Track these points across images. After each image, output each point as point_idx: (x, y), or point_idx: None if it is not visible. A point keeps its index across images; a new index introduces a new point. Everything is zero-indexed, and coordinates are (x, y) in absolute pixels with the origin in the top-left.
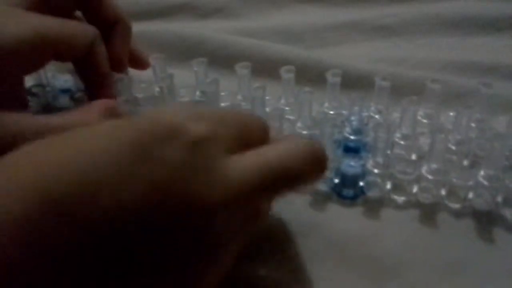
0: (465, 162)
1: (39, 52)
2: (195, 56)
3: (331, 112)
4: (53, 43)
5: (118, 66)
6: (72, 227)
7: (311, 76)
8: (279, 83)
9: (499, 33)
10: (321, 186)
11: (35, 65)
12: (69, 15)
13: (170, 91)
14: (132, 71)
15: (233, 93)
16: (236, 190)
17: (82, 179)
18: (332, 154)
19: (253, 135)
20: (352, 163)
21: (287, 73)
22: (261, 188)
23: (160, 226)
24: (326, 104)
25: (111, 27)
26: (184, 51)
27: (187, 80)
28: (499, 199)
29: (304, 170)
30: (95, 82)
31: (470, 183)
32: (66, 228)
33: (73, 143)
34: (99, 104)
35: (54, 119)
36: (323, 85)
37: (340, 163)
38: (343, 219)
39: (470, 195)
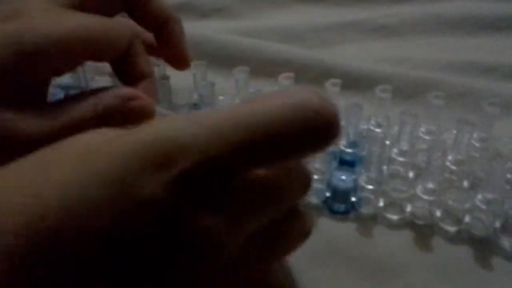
0: (465, 183)
1: (70, 53)
2: (194, 57)
3: None
4: (87, 44)
5: (183, 62)
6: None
7: (312, 76)
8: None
9: (499, 33)
10: (312, 198)
11: (67, 66)
12: (114, 14)
13: (210, 99)
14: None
15: (231, 97)
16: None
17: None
18: (325, 166)
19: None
20: (344, 177)
21: (285, 80)
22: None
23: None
24: None
25: (161, 26)
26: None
27: (185, 82)
28: (497, 224)
29: (296, 131)
30: (135, 82)
31: (467, 205)
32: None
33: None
34: (95, 100)
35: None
36: (323, 85)
37: (332, 176)
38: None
39: (467, 218)
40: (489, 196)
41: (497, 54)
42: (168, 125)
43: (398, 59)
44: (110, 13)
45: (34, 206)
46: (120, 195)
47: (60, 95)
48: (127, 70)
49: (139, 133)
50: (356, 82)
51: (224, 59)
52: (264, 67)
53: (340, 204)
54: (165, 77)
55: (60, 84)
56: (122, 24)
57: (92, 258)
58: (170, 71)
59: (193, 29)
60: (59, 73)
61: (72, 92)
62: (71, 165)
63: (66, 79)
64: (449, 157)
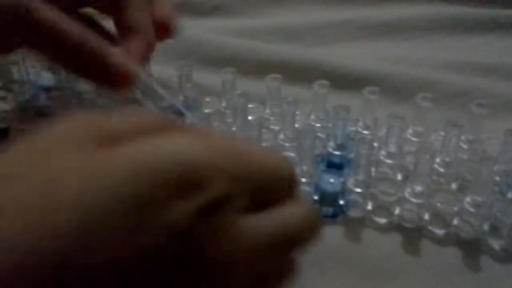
0: (453, 186)
1: None
2: (181, 57)
3: (317, 125)
4: None
5: (165, 30)
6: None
7: (302, 77)
8: None
9: (499, 33)
10: None
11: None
12: None
13: (196, 101)
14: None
15: (218, 100)
16: (246, 254)
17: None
18: (312, 169)
19: (276, 190)
20: (332, 180)
21: (272, 82)
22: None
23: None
24: (312, 116)
25: None
26: (180, 52)
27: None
28: (486, 227)
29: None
30: (124, 36)
31: (455, 208)
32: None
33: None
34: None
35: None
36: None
37: (320, 179)
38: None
39: (455, 221)
40: (478, 198)
41: (497, 54)
42: (180, 146)
43: (396, 58)
44: None
45: (46, 223)
46: (145, 221)
47: (45, 97)
48: (119, 22)
49: (148, 151)
50: (350, 83)
51: (211, 59)
52: (253, 68)
53: (328, 207)
54: (149, 75)
55: (42, 86)
56: None
57: None
58: (154, 71)
59: (188, 29)
60: None
61: (55, 93)
62: (82, 184)
63: (48, 80)
64: (437, 159)
